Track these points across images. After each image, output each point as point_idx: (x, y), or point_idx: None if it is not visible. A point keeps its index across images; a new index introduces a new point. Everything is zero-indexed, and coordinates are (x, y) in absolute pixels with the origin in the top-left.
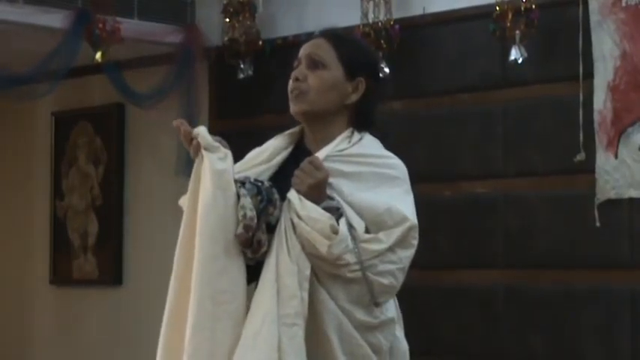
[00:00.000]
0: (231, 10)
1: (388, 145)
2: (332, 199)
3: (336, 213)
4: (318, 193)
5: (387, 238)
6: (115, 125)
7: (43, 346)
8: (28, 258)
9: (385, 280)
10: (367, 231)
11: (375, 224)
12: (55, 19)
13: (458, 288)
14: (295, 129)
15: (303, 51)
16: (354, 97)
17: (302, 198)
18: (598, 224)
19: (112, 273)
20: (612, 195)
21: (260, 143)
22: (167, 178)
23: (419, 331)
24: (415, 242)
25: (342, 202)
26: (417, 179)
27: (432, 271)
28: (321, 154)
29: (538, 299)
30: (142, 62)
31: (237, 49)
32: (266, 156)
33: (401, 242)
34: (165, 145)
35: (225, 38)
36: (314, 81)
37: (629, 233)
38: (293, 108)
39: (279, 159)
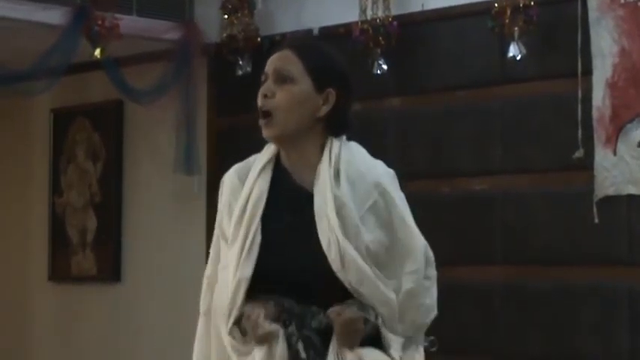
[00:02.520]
0: (230, 6)
1: (386, 143)
2: (367, 319)
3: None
4: (359, 334)
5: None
6: (114, 122)
7: (41, 343)
8: (27, 254)
9: (427, 300)
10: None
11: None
12: (54, 16)
13: (456, 285)
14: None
15: (269, 65)
16: (325, 109)
17: (356, 350)
18: (597, 221)
19: (110, 270)
20: (611, 192)
21: (258, 140)
22: (165, 175)
23: None
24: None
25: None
26: (415, 176)
27: None
28: (320, 192)
29: (536, 296)
30: (141, 59)
31: (236, 46)
32: (247, 192)
33: (427, 263)
34: (163, 142)
35: (224, 35)
36: (282, 97)
37: (628, 230)
38: (264, 133)
39: (262, 187)
